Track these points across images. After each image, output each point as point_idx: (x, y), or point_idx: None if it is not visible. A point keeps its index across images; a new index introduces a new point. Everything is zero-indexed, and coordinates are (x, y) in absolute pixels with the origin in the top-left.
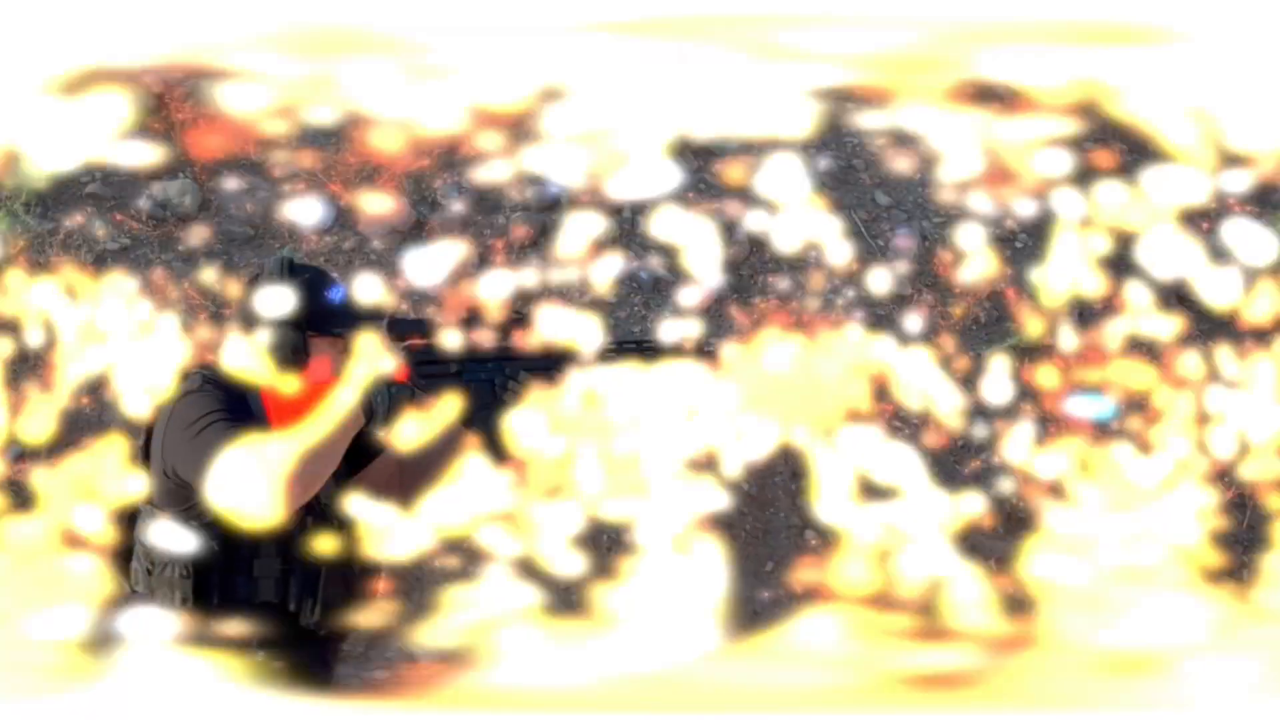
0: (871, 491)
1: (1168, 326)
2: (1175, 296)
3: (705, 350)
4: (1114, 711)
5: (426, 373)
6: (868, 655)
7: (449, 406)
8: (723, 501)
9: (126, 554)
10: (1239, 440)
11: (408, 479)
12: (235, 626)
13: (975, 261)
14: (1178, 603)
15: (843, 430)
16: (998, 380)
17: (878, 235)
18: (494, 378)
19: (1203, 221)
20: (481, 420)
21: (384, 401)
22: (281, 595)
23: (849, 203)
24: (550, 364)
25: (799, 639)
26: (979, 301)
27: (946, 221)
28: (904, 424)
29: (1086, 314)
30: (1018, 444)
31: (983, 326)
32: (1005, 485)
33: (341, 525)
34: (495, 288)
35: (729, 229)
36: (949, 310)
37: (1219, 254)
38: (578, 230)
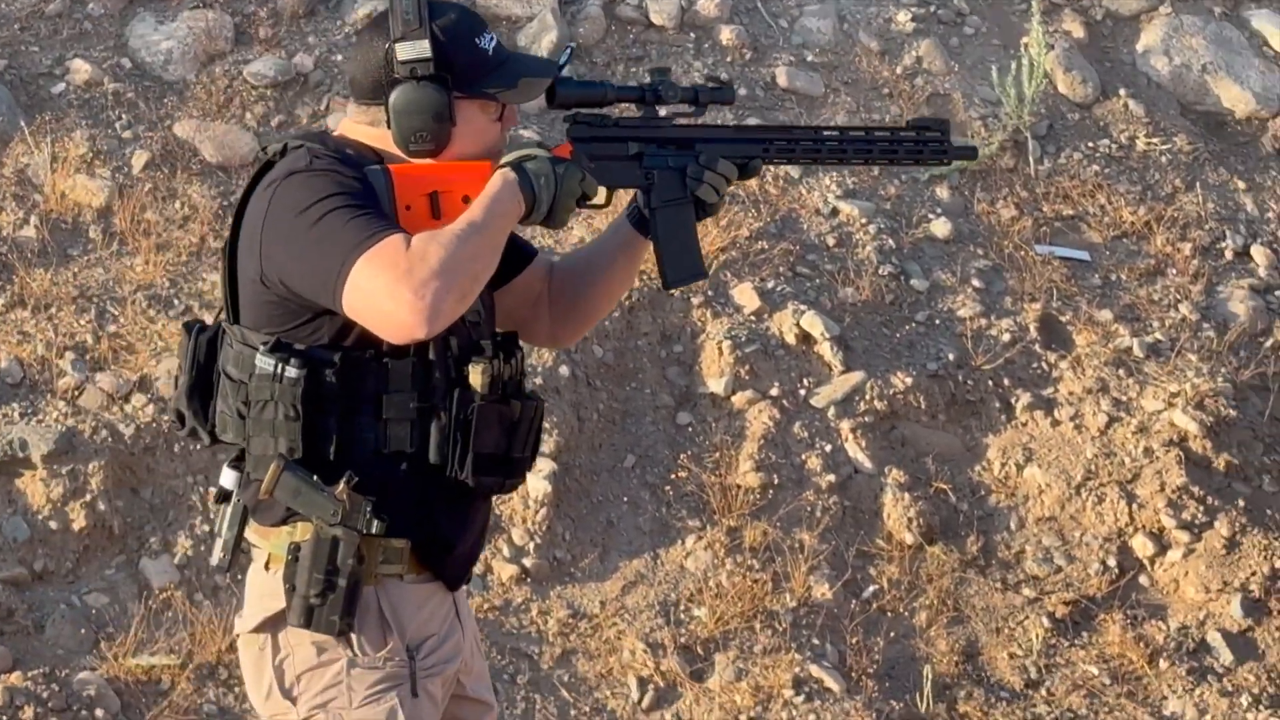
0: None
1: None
2: (1178, 104)
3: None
4: None
5: (596, 153)
6: None
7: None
8: None
9: (205, 389)
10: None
11: (563, 298)
12: (354, 486)
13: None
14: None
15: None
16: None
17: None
18: (684, 164)
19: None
20: (665, 221)
21: (549, 186)
22: (419, 443)
23: None
24: (760, 150)
25: None
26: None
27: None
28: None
29: (1059, 127)
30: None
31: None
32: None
33: (496, 350)
34: None
35: None
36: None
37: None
38: None
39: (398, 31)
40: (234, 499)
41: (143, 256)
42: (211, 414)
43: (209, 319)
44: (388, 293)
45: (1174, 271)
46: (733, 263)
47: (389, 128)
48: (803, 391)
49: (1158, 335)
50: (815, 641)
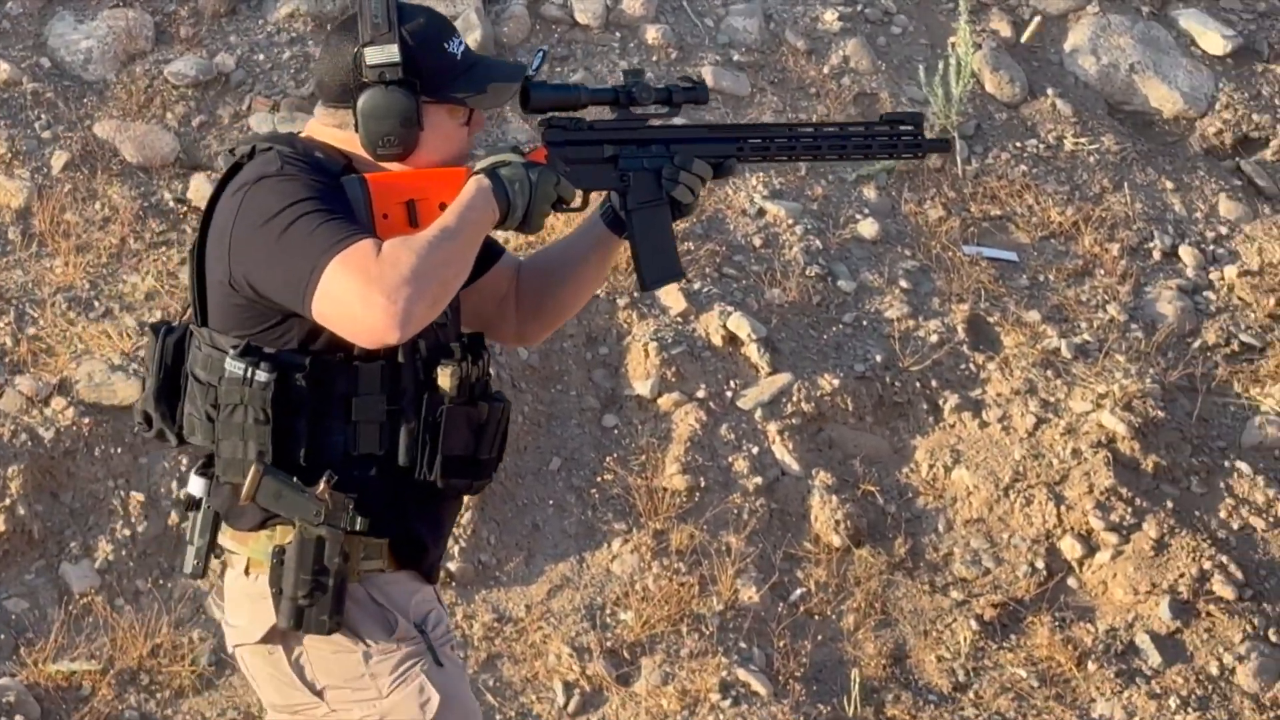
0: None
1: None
2: (1106, 104)
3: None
4: None
5: (570, 156)
6: None
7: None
8: None
9: (172, 391)
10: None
11: (530, 297)
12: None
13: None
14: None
15: None
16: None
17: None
18: (659, 166)
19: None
20: (641, 223)
21: (524, 192)
22: (389, 445)
23: None
24: (735, 149)
25: None
26: (841, 108)
27: None
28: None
29: (987, 127)
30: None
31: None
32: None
33: (464, 352)
34: None
35: None
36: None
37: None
38: None
39: (366, 35)
40: (204, 505)
41: (62, 258)
42: (179, 416)
43: (130, 321)
44: (359, 297)
45: (1102, 272)
46: None
47: (356, 131)
48: (729, 393)
49: (1086, 336)
50: (742, 645)
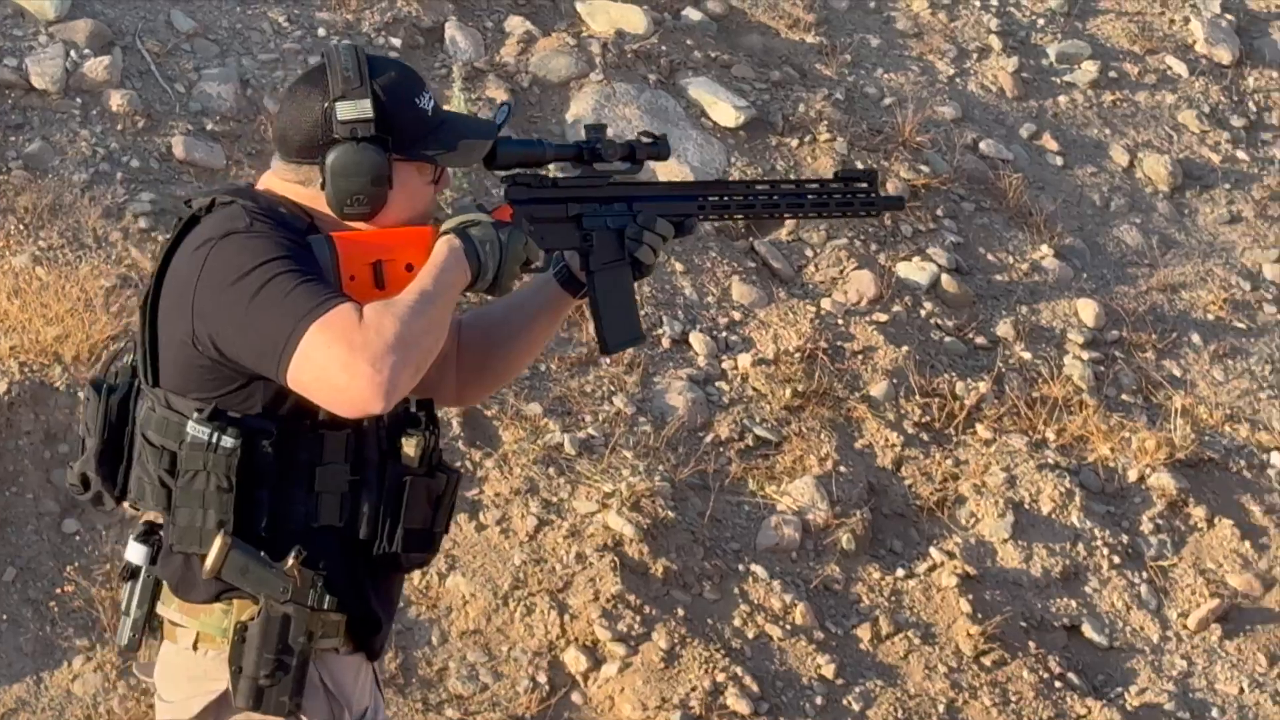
0: None
1: None
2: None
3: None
4: None
5: (535, 215)
6: None
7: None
8: None
9: (114, 453)
10: None
11: (473, 357)
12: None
13: None
14: None
15: None
16: None
17: None
18: (623, 225)
19: None
20: (604, 284)
21: (494, 253)
22: (350, 517)
23: None
24: (696, 208)
25: None
26: None
27: None
28: None
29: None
30: None
31: None
32: None
33: (423, 421)
34: None
35: None
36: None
37: None
38: None
39: (338, 89)
40: (143, 575)
41: None
42: (121, 479)
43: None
44: (342, 365)
45: (607, 361)
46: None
47: (322, 189)
48: None
49: (591, 430)
50: None
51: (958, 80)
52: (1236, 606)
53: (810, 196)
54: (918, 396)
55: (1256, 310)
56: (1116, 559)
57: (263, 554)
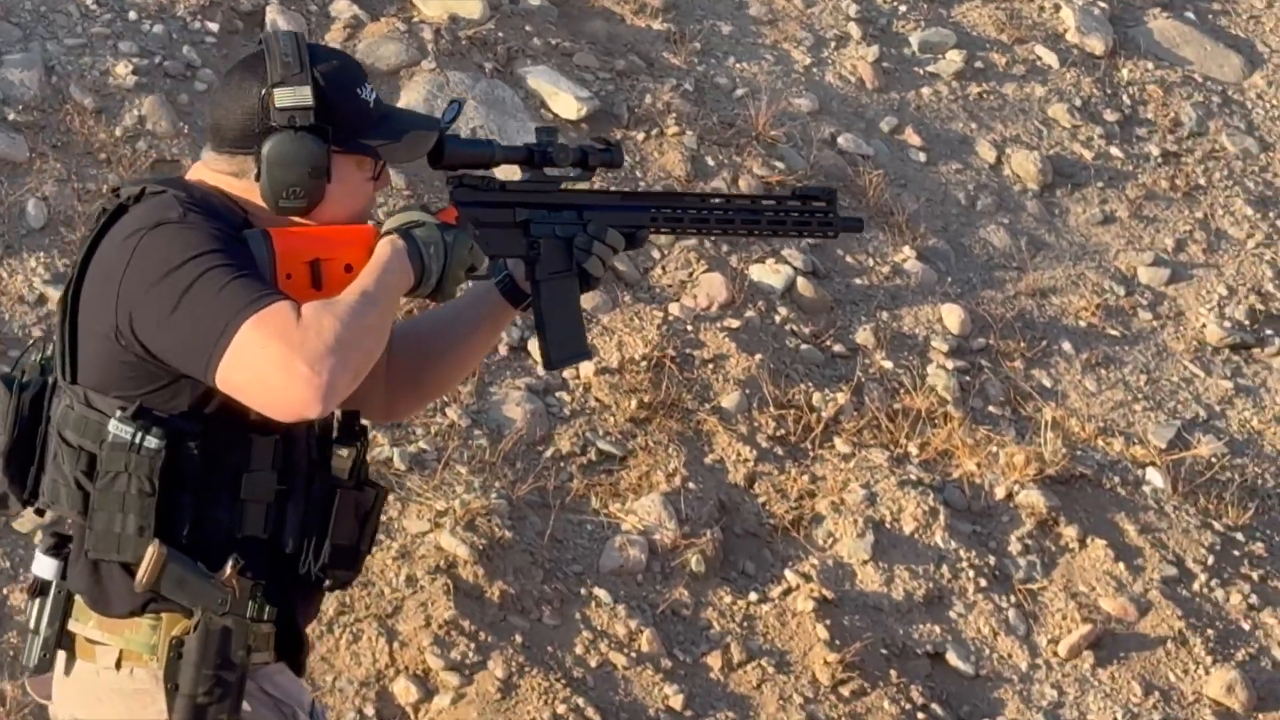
0: None
1: None
2: None
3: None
4: None
5: (481, 219)
6: None
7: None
8: None
9: (24, 452)
10: None
11: (405, 369)
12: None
13: None
14: None
15: None
16: None
17: None
18: (572, 234)
19: None
20: (550, 295)
21: (439, 256)
22: (275, 528)
23: None
24: (649, 219)
25: None
26: (138, 174)
27: None
28: None
29: None
30: None
31: None
32: None
33: (354, 432)
34: None
35: None
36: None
37: None
38: None
39: (276, 75)
40: (53, 589)
41: None
42: (31, 482)
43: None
44: (279, 365)
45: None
46: None
47: (257, 180)
48: None
49: (421, 444)
50: None
51: (814, 70)
52: (1110, 632)
53: (767, 214)
54: (772, 408)
55: (1131, 317)
56: (983, 582)
57: (199, 564)
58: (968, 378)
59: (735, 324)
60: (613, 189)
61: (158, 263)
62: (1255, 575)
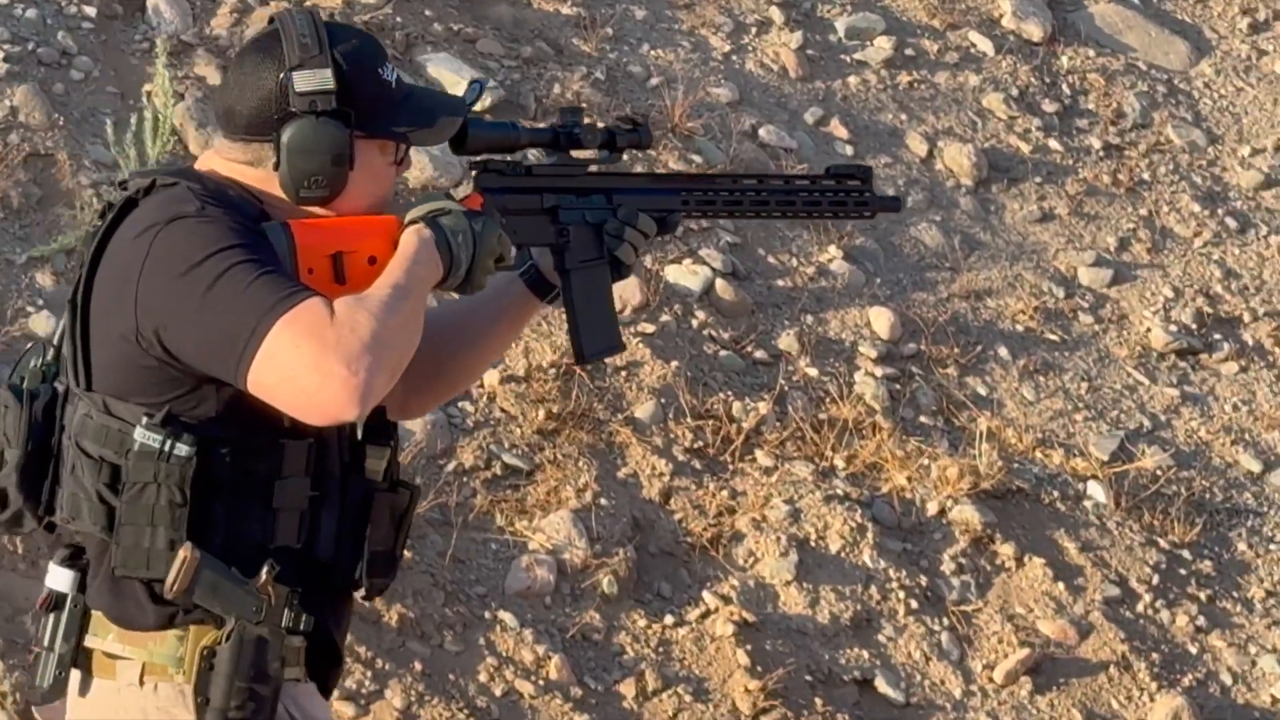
0: None
1: None
2: None
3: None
4: None
5: (508, 206)
6: None
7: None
8: None
9: (39, 466)
10: None
11: (422, 364)
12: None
13: None
14: None
15: None
16: None
17: None
18: (602, 220)
19: None
20: (581, 285)
21: (467, 245)
22: (309, 537)
23: None
24: (680, 203)
25: None
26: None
27: None
28: None
29: None
30: None
31: None
32: None
33: (385, 431)
34: None
35: None
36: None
37: None
38: None
39: (294, 58)
40: (69, 604)
41: None
42: (46, 495)
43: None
44: (313, 366)
45: None
46: None
47: (275, 169)
48: None
49: None
50: None
51: (734, 58)
52: (1049, 656)
53: (801, 195)
54: (689, 419)
55: (1071, 320)
56: (914, 603)
57: (233, 569)
58: (898, 385)
59: (650, 329)
60: (638, 171)
61: (177, 260)
62: (1203, 595)
